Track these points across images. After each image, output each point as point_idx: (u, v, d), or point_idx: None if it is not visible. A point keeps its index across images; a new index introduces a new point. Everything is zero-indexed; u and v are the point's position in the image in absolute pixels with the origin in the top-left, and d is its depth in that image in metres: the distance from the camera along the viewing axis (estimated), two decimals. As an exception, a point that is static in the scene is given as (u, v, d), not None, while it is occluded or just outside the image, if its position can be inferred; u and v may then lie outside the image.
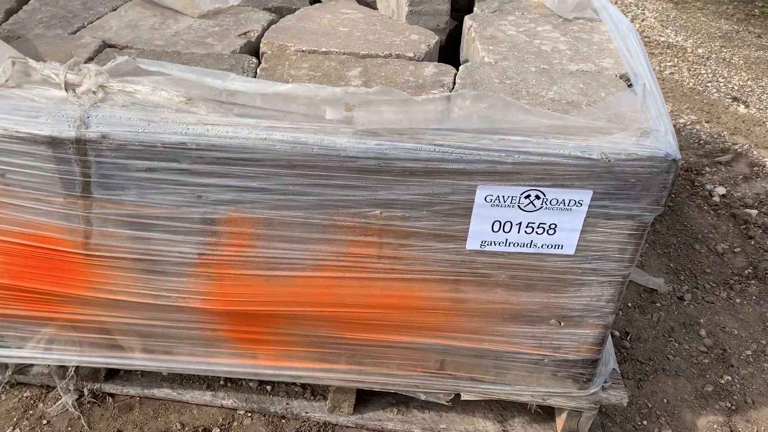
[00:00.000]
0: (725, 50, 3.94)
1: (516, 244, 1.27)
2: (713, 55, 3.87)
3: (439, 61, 1.56)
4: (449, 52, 1.87)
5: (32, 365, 1.72)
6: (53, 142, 1.14)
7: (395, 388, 1.59)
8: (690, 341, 2.03)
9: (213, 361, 1.57)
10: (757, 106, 3.37)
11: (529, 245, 1.27)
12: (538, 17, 1.82)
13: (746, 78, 3.64)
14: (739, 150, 3.00)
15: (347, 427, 1.69)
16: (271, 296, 1.34)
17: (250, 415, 1.70)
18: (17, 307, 1.43)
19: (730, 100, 3.39)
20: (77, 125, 1.13)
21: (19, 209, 1.24)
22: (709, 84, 3.59)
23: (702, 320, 2.11)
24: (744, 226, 2.52)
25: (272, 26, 1.65)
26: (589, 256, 1.27)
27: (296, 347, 1.52)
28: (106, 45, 1.48)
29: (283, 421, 1.70)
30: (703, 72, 3.71)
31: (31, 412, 1.67)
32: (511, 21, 1.80)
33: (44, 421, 1.64)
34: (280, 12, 1.79)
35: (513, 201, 1.21)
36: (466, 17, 1.83)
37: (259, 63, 1.46)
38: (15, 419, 1.65)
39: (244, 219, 1.23)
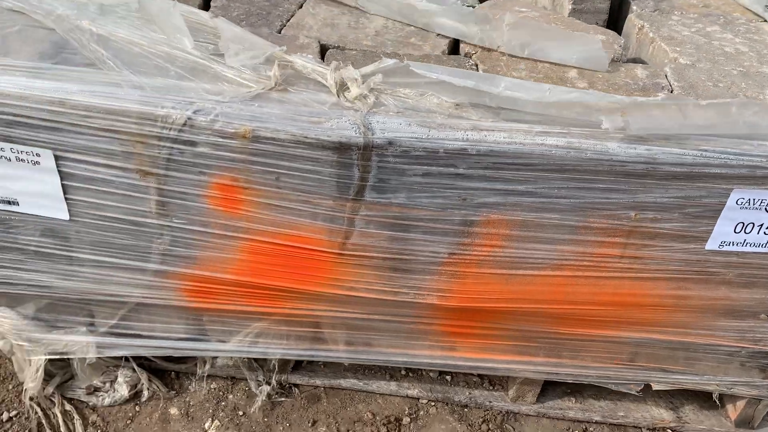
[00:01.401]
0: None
1: (752, 245, 1.32)
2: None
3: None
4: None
5: (216, 357, 1.76)
6: (340, 148, 1.17)
7: (588, 379, 1.65)
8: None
9: (412, 353, 1.62)
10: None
11: (764, 245, 1.33)
12: (699, 17, 1.86)
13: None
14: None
15: (528, 415, 1.75)
16: (506, 294, 1.38)
17: (433, 404, 1.75)
18: (243, 303, 1.46)
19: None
20: (363, 131, 1.16)
21: (284, 211, 1.27)
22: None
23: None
24: None
25: (463, 24, 1.67)
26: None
27: (499, 341, 1.56)
28: (321, 45, 1.50)
29: (466, 410, 1.75)
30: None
31: (223, 403, 1.71)
32: (677, 21, 1.83)
33: (240, 413, 1.68)
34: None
35: (762, 204, 1.26)
36: (632, 16, 1.86)
37: (476, 64, 1.48)
38: (210, 410, 1.68)
39: (501, 221, 1.27)
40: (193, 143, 1.20)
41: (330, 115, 1.19)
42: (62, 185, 1.28)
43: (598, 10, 1.92)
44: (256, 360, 1.74)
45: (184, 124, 1.17)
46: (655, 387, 1.65)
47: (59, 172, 1.26)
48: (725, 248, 1.33)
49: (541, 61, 1.49)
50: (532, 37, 1.44)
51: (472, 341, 1.57)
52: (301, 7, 1.71)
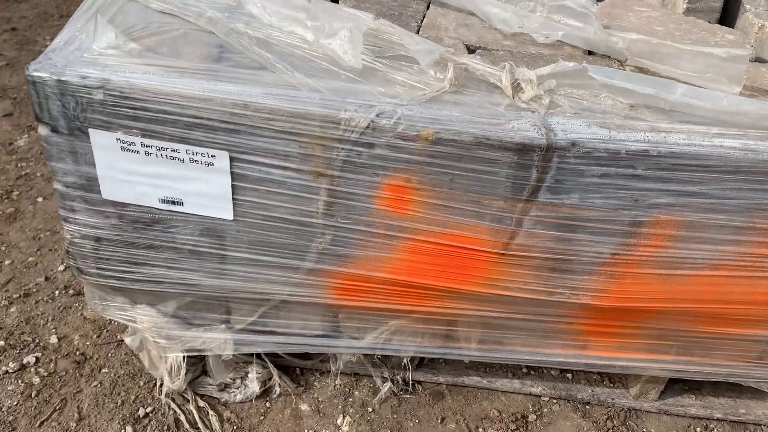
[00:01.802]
0: None
1: None
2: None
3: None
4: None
5: (339, 356, 1.77)
6: (523, 149, 1.18)
7: (717, 377, 1.66)
8: None
9: (544, 352, 1.63)
10: None
11: None
12: (817, 14, 1.86)
13: None
14: None
15: (650, 412, 1.77)
16: (662, 294, 1.39)
17: (556, 401, 1.77)
18: (389, 301, 1.47)
19: None
20: (545, 133, 1.17)
21: (452, 211, 1.28)
22: None
23: None
24: None
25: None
26: None
27: (634, 340, 1.57)
28: (465, 46, 1.51)
29: (588, 407, 1.77)
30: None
31: (350, 399, 1.73)
32: (796, 19, 1.83)
33: (369, 409, 1.70)
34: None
35: None
36: (749, 15, 1.85)
37: (620, 63, 1.49)
38: (340, 407, 1.70)
39: (670, 221, 1.28)
40: (371, 145, 1.21)
41: (509, 116, 1.20)
42: (233, 186, 1.29)
43: (711, 9, 1.92)
44: (379, 357, 1.76)
45: (367, 127, 1.18)
46: (783, 388, 1.66)
47: (231, 173, 1.27)
48: None
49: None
50: (661, 60, 1.43)
51: (606, 340, 1.58)
52: (428, 7, 1.71)
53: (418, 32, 1.58)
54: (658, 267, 1.35)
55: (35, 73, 1.20)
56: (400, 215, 1.30)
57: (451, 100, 1.23)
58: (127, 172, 1.30)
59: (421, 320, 1.56)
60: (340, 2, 1.77)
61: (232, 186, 1.30)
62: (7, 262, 2.05)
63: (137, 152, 1.27)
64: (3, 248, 2.10)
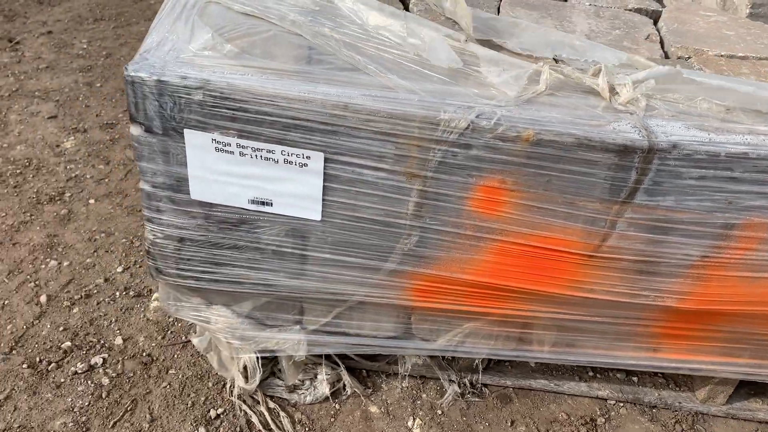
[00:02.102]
0: None
1: None
2: None
3: None
4: None
5: (404, 358, 1.77)
6: (624, 151, 1.18)
7: (787, 380, 1.66)
8: None
9: (616, 354, 1.63)
10: None
11: None
12: None
13: None
14: None
15: (717, 416, 1.76)
16: (746, 296, 1.39)
17: (622, 404, 1.77)
18: (468, 303, 1.48)
19: None
20: (646, 135, 1.17)
21: (545, 213, 1.28)
22: None
23: None
24: None
25: (661, 31, 1.68)
26: None
27: (707, 342, 1.57)
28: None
29: (654, 410, 1.77)
30: None
31: (419, 402, 1.73)
32: None
33: (438, 411, 1.70)
34: (640, 14, 1.82)
35: None
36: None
37: (701, 67, 1.49)
38: (409, 409, 1.70)
39: (762, 224, 1.28)
40: (468, 146, 1.21)
41: (609, 118, 1.20)
42: (324, 187, 1.30)
43: (774, 14, 1.93)
44: (446, 359, 1.76)
45: (466, 128, 1.19)
46: None
47: (325, 173, 1.28)
48: None
49: (760, 61, 1.50)
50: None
51: (679, 342, 1.58)
52: (498, 11, 1.72)
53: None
54: (746, 269, 1.35)
55: (134, 73, 1.21)
56: (490, 216, 1.31)
57: (547, 102, 1.23)
58: (219, 172, 1.31)
59: (497, 323, 1.56)
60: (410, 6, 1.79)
61: (324, 186, 1.30)
62: (65, 264, 2.05)
63: (231, 153, 1.27)
64: (60, 249, 2.10)
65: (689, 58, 1.57)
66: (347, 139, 1.23)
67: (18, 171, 2.43)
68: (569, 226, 1.30)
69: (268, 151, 1.27)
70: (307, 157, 1.26)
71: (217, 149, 1.27)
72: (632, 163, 1.20)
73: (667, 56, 1.58)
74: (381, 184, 1.29)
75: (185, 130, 1.26)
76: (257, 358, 1.62)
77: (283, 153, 1.26)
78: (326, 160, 1.27)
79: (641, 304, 1.43)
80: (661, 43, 1.64)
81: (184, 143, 1.28)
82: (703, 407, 1.76)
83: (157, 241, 1.44)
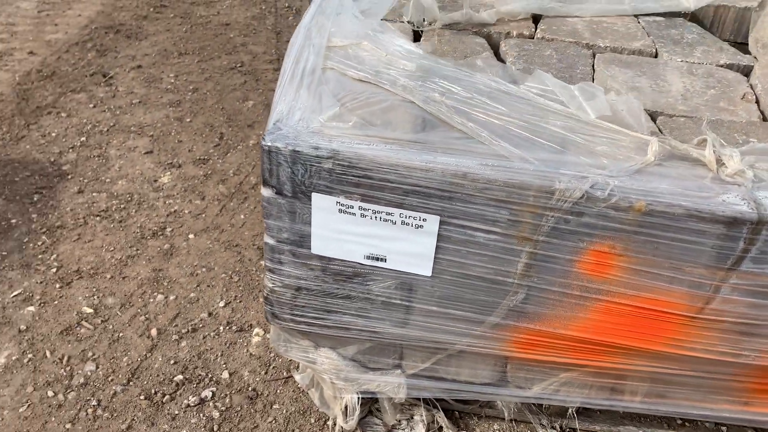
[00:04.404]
0: None
1: None
2: None
3: None
4: None
5: (496, 402, 1.84)
6: (733, 222, 1.23)
7: None
8: None
9: (706, 406, 1.66)
10: None
11: None
12: None
13: None
14: None
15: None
16: None
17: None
18: (567, 356, 1.54)
19: None
20: (755, 207, 1.22)
21: (650, 276, 1.34)
22: None
23: None
24: None
25: (756, 88, 1.72)
26: None
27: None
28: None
29: (747, 462, 1.78)
30: None
31: (510, 445, 1.79)
32: None
33: (529, 455, 1.76)
34: (732, 70, 1.86)
35: None
36: None
37: (800, 130, 1.53)
38: (501, 452, 1.77)
39: None
40: (580, 214, 1.28)
41: (717, 190, 1.25)
42: (437, 246, 1.38)
43: None
44: (537, 404, 1.82)
45: (581, 198, 1.26)
46: None
47: (438, 234, 1.37)
48: None
49: None
50: None
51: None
52: (593, 68, 1.79)
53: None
54: None
55: (271, 143, 1.33)
56: (597, 278, 1.37)
57: (656, 172, 1.30)
58: (340, 231, 1.41)
59: (592, 374, 1.61)
60: (503, 46, 1.87)
61: (437, 246, 1.39)
62: (171, 298, 2.19)
63: (353, 214, 1.38)
64: (166, 284, 2.25)
65: (788, 118, 1.60)
66: (463, 204, 1.32)
67: (122, 206, 2.60)
68: (674, 289, 1.35)
69: (388, 214, 1.36)
70: (423, 219, 1.35)
71: (340, 210, 1.38)
72: (741, 234, 1.25)
73: (765, 118, 1.62)
74: (492, 246, 1.37)
75: (313, 194, 1.37)
76: (358, 398, 1.72)
77: (401, 215, 1.36)
78: (442, 222, 1.35)
79: (743, 363, 1.46)
80: (757, 101, 1.68)
81: (310, 205, 1.38)
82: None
83: (276, 289, 1.56)
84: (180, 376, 1.92)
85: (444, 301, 1.50)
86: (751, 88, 1.74)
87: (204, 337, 2.05)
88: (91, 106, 3.35)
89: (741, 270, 1.30)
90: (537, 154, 1.32)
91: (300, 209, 1.41)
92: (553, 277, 1.40)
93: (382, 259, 1.45)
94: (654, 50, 1.92)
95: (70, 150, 2.96)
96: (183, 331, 2.07)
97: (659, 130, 1.48)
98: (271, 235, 1.48)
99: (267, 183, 1.39)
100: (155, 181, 2.78)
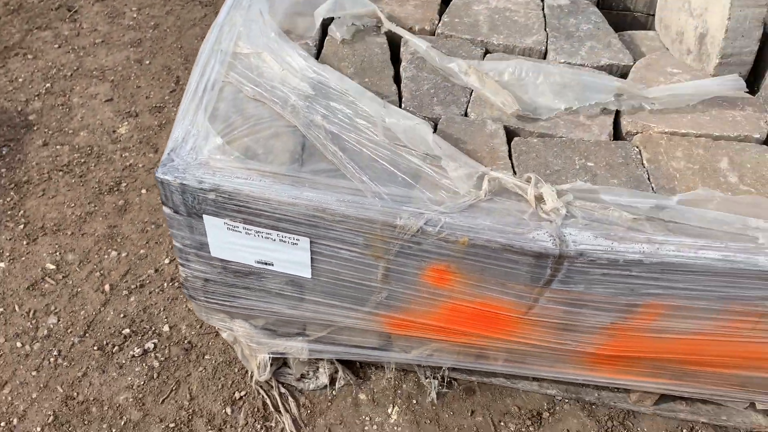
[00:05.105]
0: None
1: None
2: None
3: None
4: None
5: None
6: (539, 256, 1.49)
7: (702, 396, 2.01)
8: None
9: (558, 370, 2.00)
10: None
11: None
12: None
13: None
14: None
15: (646, 415, 2.14)
16: (650, 349, 1.73)
17: (567, 401, 2.16)
18: (430, 335, 1.86)
19: None
20: (558, 243, 1.48)
21: (483, 289, 1.62)
22: None
23: None
24: None
25: (621, 98, 1.89)
26: None
27: (634, 367, 1.92)
28: (505, 129, 1.77)
29: (594, 407, 2.15)
30: None
31: (399, 391, 2.16)
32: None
33: (413, 401, 2.14)
34: (611, 71, 2.02)
35: None
36: (776, 74, 2.02)
37: (638, 150, 1.73)
38: (391, 398, 2.14)
39: (660, 305, 1.59)
40: (419, 243, 1.55)
41: (531, 226, 1.50)
42: (311, 257, 1.66)
43: (743, 63, 2.08)
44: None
45: (417, 232, 1.52)
46: (759, 407, 2.00)
47: (311, 250, 1.64)
48: (843, 328, 1.61)
49: (697, 139, 1.74)
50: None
51: (609, 366, 1.94)
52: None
53: (466, 113, 1.84)
54: (649, 332, 1.68)
55: (163, 176, 1.57)
56: (441, 287, 1.66)
57: (485, 207, 1.54)
58: (231, 242, 1.68)
59: (459, 346, 1.94)
60: (402, 44, 2.03)
61: (311, 257, 1.67)
62: (123, 254, 2.51)
63: (240, 232, 1.65)
64: (119, 240, 2.56)
65: (636, 133, 1.80)
66: (326, 230, 1.58)
67: (83, 160, 2.86)
68: (503, 297, 1.64)
69: (267, 233, 1.63)
70: (296, 239, 1.62)
71: (228, 228, 1.65)
72: (547, 264, 1.52)
73: (616, 135, 1.82)
74: (355, 260, 1.65)
75: (204, 216, 1.63)
76: (270, 357, 2.07)
77: (278, 235, 1.63)
78: (312, 241, 1.62)
79: (566, 349, 1.78)
80: (617, 114, 1.87)
81: (203, 222, 1.65)
82: (634, 407, 2.14)
83: (189, 278, 1.86)
84: (128, 330, 2.27)
85: (326, 294, 1.80)
86: (617, 97, 1.91)
87: (150, 293, 2.38)
88: (56, 46, 3.50)
89: (552, 288, 1.58)
90: (390, 189, 1.56)
91: (196, 224, 1.67)
92: (406, 284, 1.68)
93: (269, 264, 1.73)
94: (544, 48, 2.07)
95: (36, 98, 3.16)
96: (132, 287, 2.40)
97: (509, 155, 1.70)
98: (178, 241, 1.75)
99: (165, 203, 1.65)
100: (114, 131, 3.01)
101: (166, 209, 1.67)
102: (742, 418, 2.12)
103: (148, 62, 3.42)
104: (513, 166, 1.67)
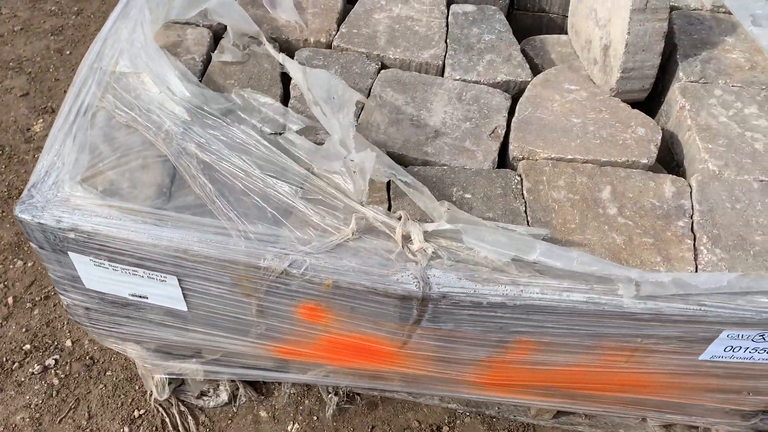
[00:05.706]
0: None
1: (739, 358, 1.61)
2: None
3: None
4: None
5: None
6: (404, 298, 1.47)
7: (596, 413, 2.03)
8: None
9: (453, 389, 2.01)
10: None
11: (749, 359, 1.62)
12: (741, 90, 1.97)
13: None
14: None
15: (545, 427, 2.16)
16: (528, 379, 1.73)
17: (468, 415, 2.17)
18: (318, 361, 1.85)
19: None
20: (422, 286, 1.46)
21: (356, 325, 1.60)
22: None
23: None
24: None
25: (513, 119, 1.85)
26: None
27: (525, 391, 1.93)
28: (387, 151, 1.73)
29: (495, 420, 2.17)
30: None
31: (301, 407, 2.16)
32: (718, 97, 1.95)
33: (314, 417, 2.14)
34: (508, 87, 1.97)
35: (748, 337, 1.54)
36: (676, 88, 1.98)
37: (520, 179, 1.70)
38: (291, 414, 2.14)
39: (531, 341, 1.58)
40: (286, 283, 1.52)
41: (396, 267, 1.48)
42: (183, 293, 1.63)
43: (645, 76, 2.04)
44: (326, 374, 2.16)
45: (281, 273, 1.48)
46: (650, 423, 2.03)
47: (180, 286, 1.61)
48: (716, 360, 1.62)
49: (583, 165, 1.71)
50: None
51: (502, 389, 1.95)
52: (370, 92, 1.90)
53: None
54: (524, 364, 1.68)
55: (20, 215, 1.52)
56: (315, 323, 1.64)
57: (353, 246, 1.51)
58: (102, 277, 1.64)
59: (350, 370, 1.94)
60: (295, 58, 1.97)
61: (183, 293, 1.63)
62: (29, 264, 2.46)
63: (107, 268, 1.60)
64: (26, 248, 2.50)
65: (523, 159, 1.77)
66: (192, 270, 1.55)
67: (-8, 162, 2.77)
68: (377, 334, 1.62)
69: (133, 271, 1.59)
70: (164, 277, 1.59)
71: (95, 265, 1.60)
72: (412, 306, 1.50)
73: (502, 163, 1.78)
74: (227, 297, 1.62)
75: (69, 252, 1.58)
76: (166, 377, 2.05)
77: (145, 272, 1.59)
78: (179, 279, 1.59)
79: (450, 377, 1.78)
80: (506, 134, 1.83)
81: (70, 258, 1.61)
82: (534, 420, 2.16)
83: (71, 306, 1.82)
84: (29, 345, 2.24)
85: (208, 326, 1.77)
86: (509, 115, 1.87)
87: (54, 305, 2.34)
88: (-28, 34, 3.36)
89: (421, 326, 1.57)
90: (257, 227, 1.52)
91: (64, 259, 1.63)
92: (282, 319, 1.66)
93: (144, 297, 1.70)
94: (441, 63, 2.01)
95: (-52, 93, 3.05)
96: (37, 298, 2.36)
97: (387, 189, 1.65)
98: (52, 273, 1.71)
99: (29, 239, 1.60)
100: (28, 129, 2.92)
101: (33, 244, 1.62)
102: (640, 430, 2.15)
103: (68, 52, 3.30)
104: (390, 199, 1.63)
